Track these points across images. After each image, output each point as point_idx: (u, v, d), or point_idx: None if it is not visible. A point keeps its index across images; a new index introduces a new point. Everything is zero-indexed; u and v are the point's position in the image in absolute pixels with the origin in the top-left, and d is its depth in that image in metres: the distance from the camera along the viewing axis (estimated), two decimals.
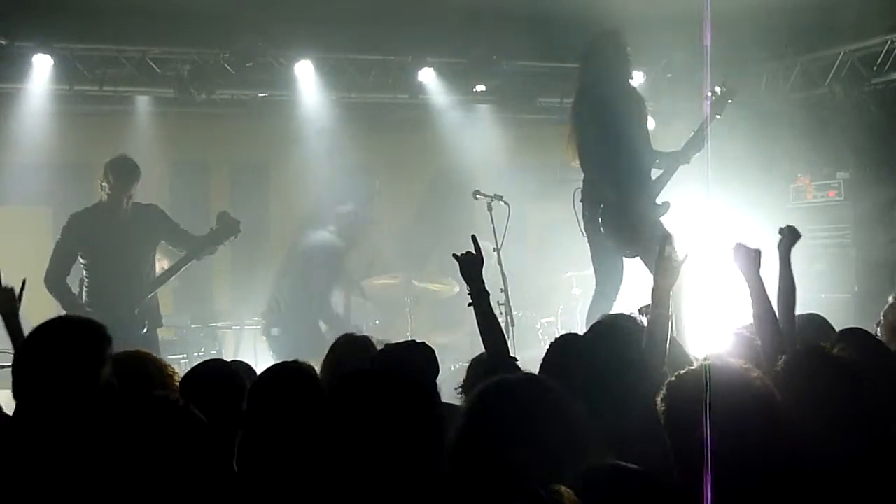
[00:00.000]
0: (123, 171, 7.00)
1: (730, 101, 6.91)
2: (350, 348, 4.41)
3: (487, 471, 2.64)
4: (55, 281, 6.91)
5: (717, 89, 6.88)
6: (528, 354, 6.99)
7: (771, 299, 4.16)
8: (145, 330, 6.98)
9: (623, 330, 3.91)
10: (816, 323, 4.59)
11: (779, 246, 4.47)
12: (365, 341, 4.49)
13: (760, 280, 4.16)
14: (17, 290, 4.44)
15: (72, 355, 3.23)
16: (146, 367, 3.87)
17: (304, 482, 2.79)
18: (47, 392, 3.17)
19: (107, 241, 6.96)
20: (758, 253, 4.24)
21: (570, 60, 9.53)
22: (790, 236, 4.51)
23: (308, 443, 2.87)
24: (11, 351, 3.92)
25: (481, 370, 4.07)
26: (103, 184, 7.00)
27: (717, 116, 6.87)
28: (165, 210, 7.39)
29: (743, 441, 2.69)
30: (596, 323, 4.12)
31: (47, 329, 3.37)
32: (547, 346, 4.23)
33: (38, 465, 2.89)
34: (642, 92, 7.28)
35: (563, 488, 2.60)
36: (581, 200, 6.71)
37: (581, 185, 6.71)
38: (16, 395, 3.26)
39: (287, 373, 3.40)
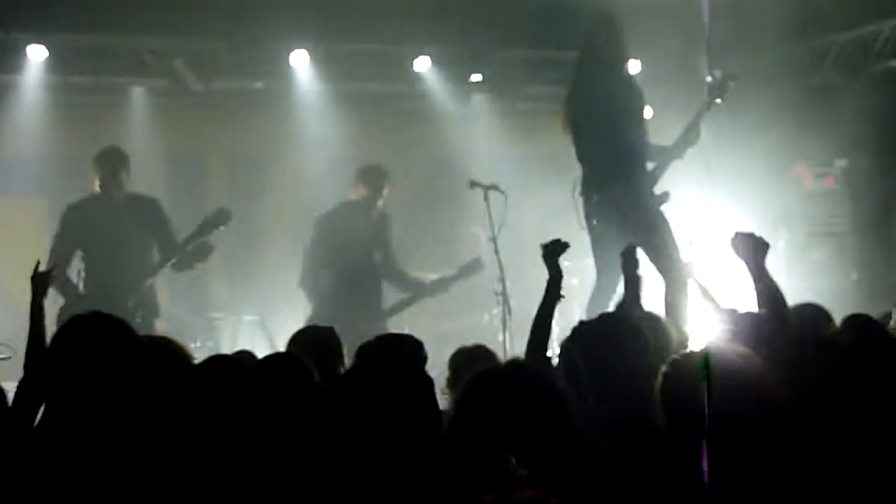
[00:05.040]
0: (108, 161, 7.09)
1: (731, 83, 6.86)
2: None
3: (478, 457, 2.64)
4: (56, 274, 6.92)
5: (717, 73, 6.84)
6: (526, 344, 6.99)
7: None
8: (138, 320, 6.95)
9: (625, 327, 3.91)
10: (812, 312, 4.59)
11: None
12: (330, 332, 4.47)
13: (763, 264, 4.21)
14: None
15: (107, 355, 3.17)
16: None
17: (304, 471, 2.78)
18: (74, 389, 3.12)
19: (101, 231, 6.98)
20: (756, 238, 4.28)
21: (566, 49, 9.50)
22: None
23: (307, 431, 2.86)
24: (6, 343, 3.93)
25: (463, 363, 4.07)
26: (93, 175, 7.05)
27: (718, 101, 6.82)
28: (163, 201, 7.38)
29: (738, 425, 2.69)
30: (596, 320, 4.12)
31: (81, 325, 3.29)
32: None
33: (44, 459, 2.87)
34: (639, 80, 7.25)
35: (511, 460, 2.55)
36: (580, 193, 6.68)
37: (580, 176, 6.68)
38: (43, 386, 3.23)
39: (282, 363, 3.39)
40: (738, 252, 4.29)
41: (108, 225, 6.99)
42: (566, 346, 3.93)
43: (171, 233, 7.23)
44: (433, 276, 9.32)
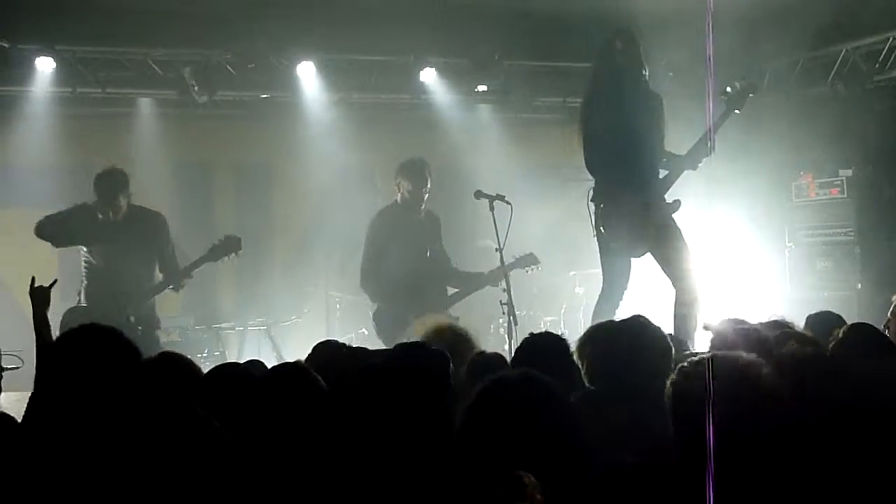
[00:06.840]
0: (105, 187, 7.07)
1: (751, 95, 6.85)
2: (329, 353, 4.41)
3: (486, 468, 2.65)
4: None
5: (737, 84, 6.83)
6: None
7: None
8: (139, 333, 6.91)
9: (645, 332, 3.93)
10: (832, 321, 4.61)
11: None
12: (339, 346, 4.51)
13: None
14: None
15: (101, 364, 3.20)
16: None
17: (313, 478, 2.79)
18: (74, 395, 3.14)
19: (100, 244, 6.96)
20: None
21: (571, 60, 9.56)
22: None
23: (315, 439, 2.87)
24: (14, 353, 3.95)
25: (479, 369, 4.06)
26: (94, 194, 7.09)
27: (737, 111, 6.80)
28: (170, 211, 7.40)
29: (745, 433, 2.70)
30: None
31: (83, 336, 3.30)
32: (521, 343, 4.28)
33: (50, 468, 2.89)
34: None
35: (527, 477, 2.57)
36: (591, 200, 6.67)
37: (593, 185, 6.67)
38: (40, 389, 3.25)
39: (289, 373, 3.40)
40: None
41: (106, 239, 6.98)
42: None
43: (172, 257, 7.24)
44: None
